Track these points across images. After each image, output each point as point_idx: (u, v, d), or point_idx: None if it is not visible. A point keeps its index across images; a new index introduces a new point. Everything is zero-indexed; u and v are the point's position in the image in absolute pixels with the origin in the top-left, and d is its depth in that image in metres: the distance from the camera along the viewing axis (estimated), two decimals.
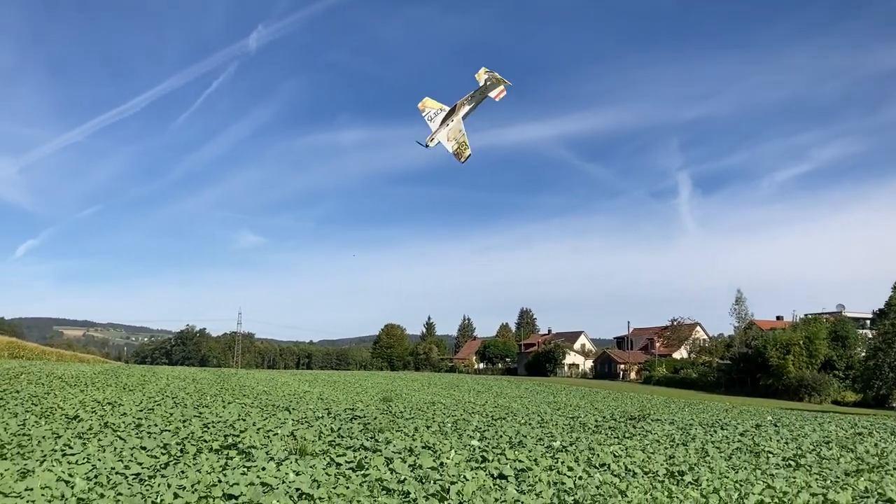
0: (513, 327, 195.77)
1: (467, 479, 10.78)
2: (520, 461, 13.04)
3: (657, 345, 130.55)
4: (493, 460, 13.08)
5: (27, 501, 8.11)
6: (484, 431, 18.50)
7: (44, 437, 13.27)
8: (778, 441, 20.61)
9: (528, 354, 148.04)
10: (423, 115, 20.06)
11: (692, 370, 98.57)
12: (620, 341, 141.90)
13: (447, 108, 19.40)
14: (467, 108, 19.43)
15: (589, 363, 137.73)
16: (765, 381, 78.04)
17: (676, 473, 13.20)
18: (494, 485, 10.91)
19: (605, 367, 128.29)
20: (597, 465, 13.62)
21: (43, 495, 8.54)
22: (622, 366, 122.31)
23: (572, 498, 10.09)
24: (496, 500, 9.65)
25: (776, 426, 27.03)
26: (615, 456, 14.84)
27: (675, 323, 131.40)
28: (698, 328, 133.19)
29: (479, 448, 14.77)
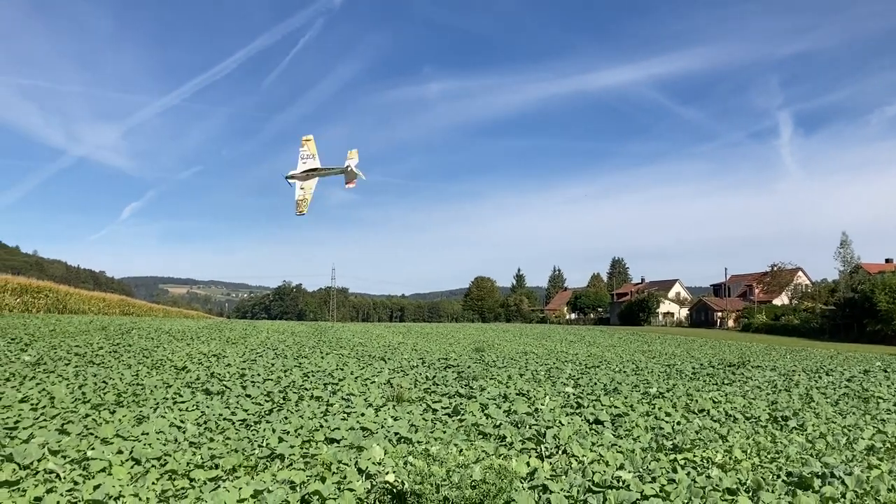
0: (604, 277, 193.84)
1: (563, 424, 10.79)
2: (615, 407, 12.95)
3: (756, 291, 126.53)
4: (588, 406, 13.04)
5: (144, 444, 8.58)
6: (578, 379, 18.43)
7: (156, 387, 13.99)
8: (889, 386, 19.74)
9: (620, 304, 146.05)
10: (301, 150, 21.42)
11: (794, 316, 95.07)
12: (717, 288, 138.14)
13: (316, 165, 20.98)
14: (325, 174, 21.17)
15: (684, 311, 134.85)
16: (872, 326, 74.38)
17: (780, 419, 12.85)
18: (591, 430, 10.88)
19: (701, 315, 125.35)
20: (695, 410, 13.40)
21: (158, 439, 9.03)
22: (719, 313, 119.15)
23: (671, 442, 9.96)
24: (593, 444, 9.62)
25: (886, 372, 25.87)
26: (714, 402, 14.56)
27: (775, 268, 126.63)
28: (800, 273, 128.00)
29: (574, 395, 14.73)
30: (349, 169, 20.50)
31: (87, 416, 10.54)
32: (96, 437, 8.99)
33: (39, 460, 7.64)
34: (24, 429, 9.15)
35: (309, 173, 21.10)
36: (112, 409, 11.15)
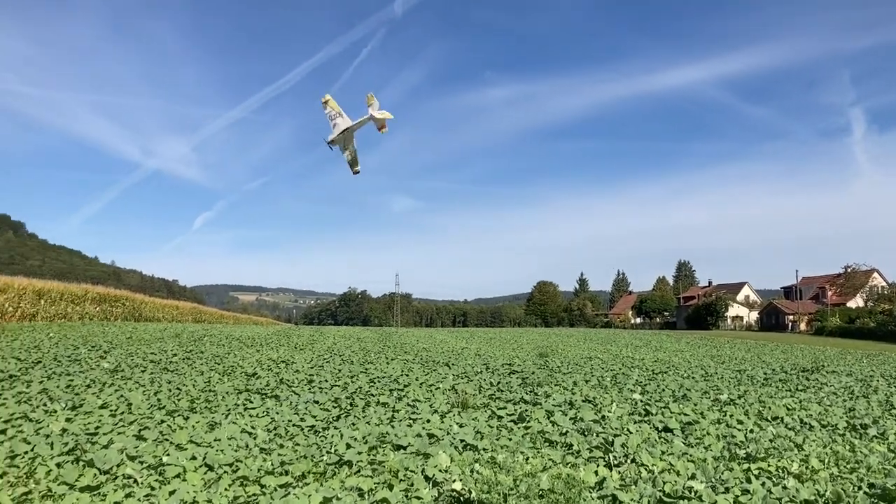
0: (670, 280, 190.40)
1: (631, 432, 10.61)
2: (685, 414, 12.67)
3: (829, 293, 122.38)
4: (656, 414, 12.79)
5: (216, 450, 8.78)
6: (645, 385, 18.11)
7: (227, 393, 14.30)
8: None
9: (687, 307, 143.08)
10: (325, 112, 21.23)
11: (869, 319, 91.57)
12: (788, 291, 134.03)
13: (345, 117, 20.67)
14: (356, 129, 20.90)
15: (754, 315, 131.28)
16: None
17: (859, 427, 12.38)
18: (660, 438, 10.67)
19: (771, 319, 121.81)
20: (768, 417, 13.02)
21: (230, 445, 9.23)
22: (790, 317, 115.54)
23: (744, 451, 9.68)
24: (663, 452, 9.43)
25: None
26: (788, 409, 14.12)
27: (848, 270, 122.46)
28: (875, 275, 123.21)
29: (642, 401, 14.48)
30: (373, 116, 20.94)
31: (163, 421, 10.85)
32: (171, 442, 9.23)
33: (118, 465, 7.90)
34: (103, 434, 9.47)
35: (345, 133, 21.41)
36: (186, 416, 11.45)
